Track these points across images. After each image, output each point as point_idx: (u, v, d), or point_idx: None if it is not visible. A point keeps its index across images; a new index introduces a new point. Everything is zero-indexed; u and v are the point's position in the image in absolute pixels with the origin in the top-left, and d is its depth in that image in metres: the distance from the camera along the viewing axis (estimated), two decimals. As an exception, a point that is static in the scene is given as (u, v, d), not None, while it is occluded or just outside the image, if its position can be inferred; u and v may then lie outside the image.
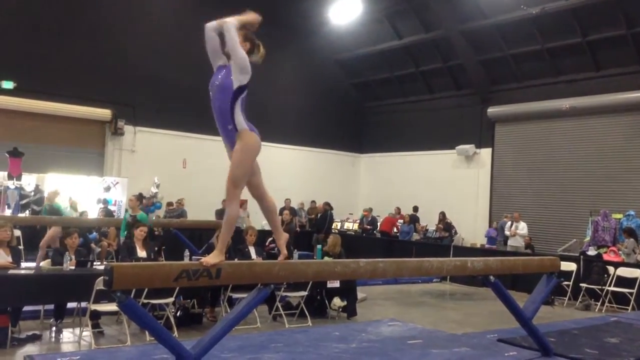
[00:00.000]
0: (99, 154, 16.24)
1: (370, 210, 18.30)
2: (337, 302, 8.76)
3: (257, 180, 3.87)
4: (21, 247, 10.52)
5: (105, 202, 14.28)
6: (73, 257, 7.12)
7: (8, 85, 14.43)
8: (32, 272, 6.83)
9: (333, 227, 17.18)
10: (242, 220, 16.05)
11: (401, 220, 17.39)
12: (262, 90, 18.54)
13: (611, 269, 11.12)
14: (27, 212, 13.17)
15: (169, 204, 15.51)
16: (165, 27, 16.66)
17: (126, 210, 11.65)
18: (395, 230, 17.34)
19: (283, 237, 3.94)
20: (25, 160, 13.80)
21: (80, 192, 14.79)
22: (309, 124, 19.59)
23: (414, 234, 17.06)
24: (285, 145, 19.03)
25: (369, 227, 17.82)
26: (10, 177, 13.52)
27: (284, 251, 3.87)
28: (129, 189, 15.57)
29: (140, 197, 10.08)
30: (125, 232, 9.19)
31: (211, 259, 3.43)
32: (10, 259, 6.89)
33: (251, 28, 3.73)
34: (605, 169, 14.75)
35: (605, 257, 11.83)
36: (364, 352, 5.33)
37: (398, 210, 17.91)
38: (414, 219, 17.28)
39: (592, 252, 12.33)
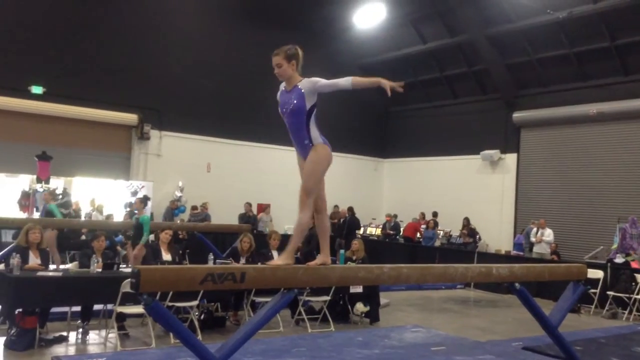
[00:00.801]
0: (126, 158, 16.46)
1: (394, 216, 18.24)
2: (360, 307, 8.73)
3: (320, 192, 4.07)
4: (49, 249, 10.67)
5: (132, 205, 14.47)
6: (100, 259, 7.22)
7: (37, 90, 14.73)
8: (60, 274, 6.94)
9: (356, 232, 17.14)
10: (265, 224, 16.14)
11: (424, 226, 17.30)
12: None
13: (639, 277, 10.92)
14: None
15: (194, 207, 15.66)
16: (191, 33, 16.86)
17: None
18: (418, 235, 17.25)
19: (323, 260, 3.98)
20: (54, 163, 14.05)
21: (107, 196, 15.06)
22: (332, 128, 19.29)
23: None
24: (309, 150, 19.06)
25: (391, 232, 17.76)
26: (39, 181, 13.77)
27: (316, 263, 3.94)
28: (154, 192, 15.77)
29: (144, 199, 10.15)
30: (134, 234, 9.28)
31: (281, 260, 3.73)
32: (39, 261, 7.03)
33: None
34: (633, 175, 14.47)
35: (633, 264, 11.63)
36: (387, 358, 5.32)
37: (422, 215, 17.82)
38: (435, 224, 17.18)
39: (619, 259, 12.12)
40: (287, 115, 3.93)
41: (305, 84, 3.86)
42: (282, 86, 4.03)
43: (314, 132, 3.92)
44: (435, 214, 17.44)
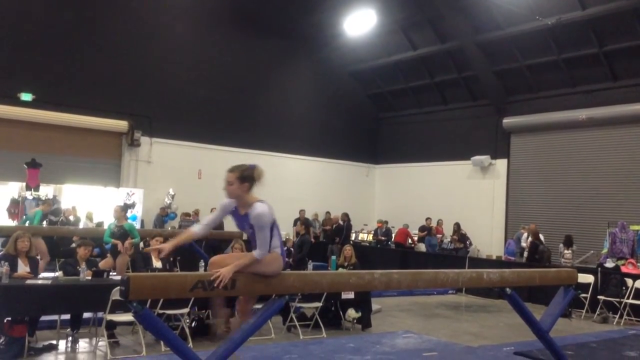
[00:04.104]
0: (116, 165, 16.38)
1: (385, 222, 18.25)
2: (351, 313, 8.72)
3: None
4: (39, 257, 10.59)
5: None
6: (84, 267, 7.15)
7: (27, 97, 14.65)
8: (49, 282, 6.88)
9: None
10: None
11: (415, 231, 17.34)
12: (277, 102, 18.69)
13: (629, 281, 10.96)
14: (45, 222, 13.29)
15: (185, 214, 15.60)
16: (182, 39, 16.85)
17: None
18: (409, 241, 17.26)
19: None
20: (43, 171, 13.97)
21: (97, 203, 14.98)
22: (323, 134, 19.64)
23: (420, 244, 17.04)
24: (300, 156, 19.09)
25: (383, 238, 17.77)
26: (28, 188, 13.69)
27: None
28: (144, 199, 15.69)
29: (125, 207, 10.09)
30: (111, 240, 9.19)
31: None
32: (28, 269, 6.96)
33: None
34: (623, 180, 14.59)
35: (623, 269, 11.67)
36: (379, 364, 5.30)
37: (429, 222, 17.69)
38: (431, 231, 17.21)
39: (609, 264, 12.16)
40: (250, 235, 3.83)
41: (255, 219, 3.71)
42: (234, 204, 3.88)
43: (275, 242, 3.80)
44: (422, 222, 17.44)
